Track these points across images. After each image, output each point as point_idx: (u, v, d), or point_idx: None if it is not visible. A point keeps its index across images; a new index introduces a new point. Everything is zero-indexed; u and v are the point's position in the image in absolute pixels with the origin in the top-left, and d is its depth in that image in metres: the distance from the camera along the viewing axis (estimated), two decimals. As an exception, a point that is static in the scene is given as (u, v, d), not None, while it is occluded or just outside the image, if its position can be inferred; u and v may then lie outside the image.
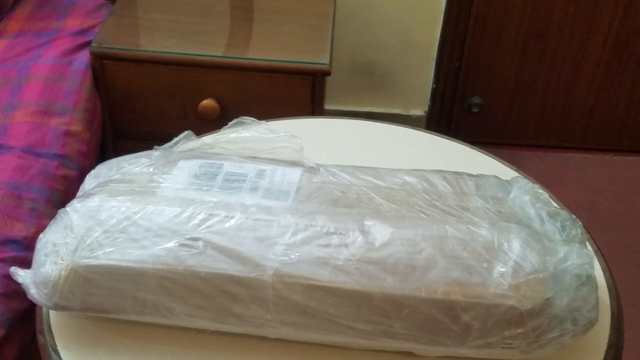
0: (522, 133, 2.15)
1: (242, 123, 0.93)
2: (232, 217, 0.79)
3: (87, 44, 1.51)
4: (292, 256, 0.76)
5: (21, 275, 0.80)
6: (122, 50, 1.50)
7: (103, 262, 0.77)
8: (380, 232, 0.78)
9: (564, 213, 0.84)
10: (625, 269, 1.81)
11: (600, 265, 0.93)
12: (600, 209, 1.98)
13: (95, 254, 0.77)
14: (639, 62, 2.02)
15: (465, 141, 1.14)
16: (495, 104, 2.10)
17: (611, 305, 0.88)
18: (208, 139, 0.94)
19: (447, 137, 1.15)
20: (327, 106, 2.06)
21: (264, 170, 0.88)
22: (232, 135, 0.93)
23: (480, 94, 2.09)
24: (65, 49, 1.47)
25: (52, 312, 0.84)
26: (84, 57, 1.48)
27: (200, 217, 0.79)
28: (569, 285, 0.75)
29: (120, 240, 0.78)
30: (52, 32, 1.52)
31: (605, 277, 0.92)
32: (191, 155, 0.91)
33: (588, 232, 0.90)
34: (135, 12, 1.64)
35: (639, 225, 1.94)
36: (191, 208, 0.80)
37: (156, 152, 0.90)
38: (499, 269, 0.75)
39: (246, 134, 0.92)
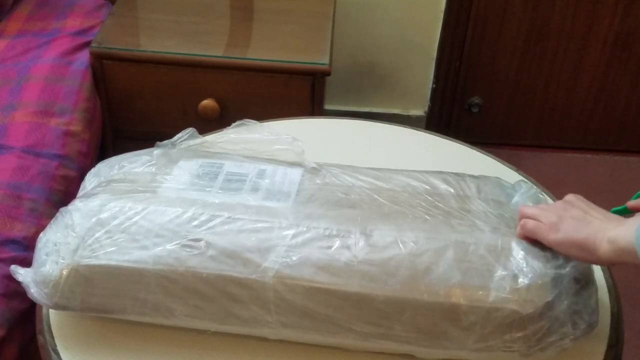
0: (522, 133, 2.15)
1: (243, 125, 0.93)
2: (233, 219, 0.79)
3: (87, 44, 1.51)
4: (293, 258, 0.76)
5: (21, 274, 0.80)
6: (122, 50, 1.50)
7: (104, 262, 0.77)
8: (382, 234, 0.78)
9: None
10: (625, 269, 1.80)
11: (600, 265, 0.93)
12: (600, 209, 1.97)
13: (97, 253, 0.77)
14: (639, 62, 2.02)
15: (465, 141, 1.14)
16: (495, 104, 2.10)
17: (611, 305, 0.88)
18: (209, 139, 0.94)
19: (447, 137, 1.15)
20: (327, 106, 2.06)
21: (265, 170, 0.88)
22: (233, 136, 0.93)
23: (480, 94, 2.08)
24: (65, 49, 1.47)
25: (52, 312, 0.84)
26: (83, 57, 1.48)
27: (202, 218, 0.79)
28: (569, 289, 0.75)
29: (121, 240, 0.78)
30: (52, 32, 1.52)
31: (605, 278, 0.92)
32: (192, 154, 0.91)
33: (588, 233, 0.89)
34: (135, 12, 1.64)
35: (639, 226, 1.93)
36: (192, 209, 0.80)
37: (157, 150, 0.90)
38: (501, 272, 0.75)
39: (247, 136, 0.92)
